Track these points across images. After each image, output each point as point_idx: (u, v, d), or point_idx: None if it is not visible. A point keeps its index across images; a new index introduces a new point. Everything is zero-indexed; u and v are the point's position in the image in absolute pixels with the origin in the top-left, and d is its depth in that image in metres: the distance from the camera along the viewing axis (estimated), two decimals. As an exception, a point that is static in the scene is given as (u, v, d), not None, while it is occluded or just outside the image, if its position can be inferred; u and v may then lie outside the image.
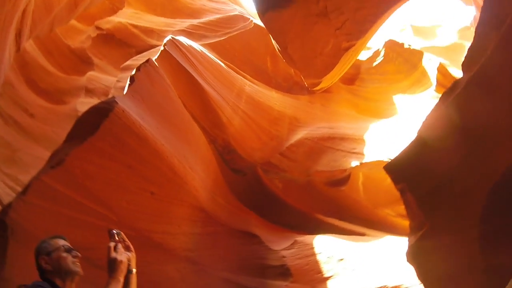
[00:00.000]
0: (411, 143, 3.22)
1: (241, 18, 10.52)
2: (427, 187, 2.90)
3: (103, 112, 3.97)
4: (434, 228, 2.87)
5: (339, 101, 10.67)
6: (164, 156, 4.50)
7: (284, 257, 5.73)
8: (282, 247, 6.05)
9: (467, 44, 14.42)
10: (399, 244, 6.24)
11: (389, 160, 7.77)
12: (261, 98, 8.31)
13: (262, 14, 7.71)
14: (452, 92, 2.84)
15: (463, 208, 2.71)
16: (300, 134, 8.71)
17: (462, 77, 2.89)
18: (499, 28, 2.44)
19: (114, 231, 2.51)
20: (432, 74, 10.75)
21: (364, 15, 7.08)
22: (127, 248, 2.64)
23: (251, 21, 10.23)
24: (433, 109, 3.10)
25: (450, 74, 10.85)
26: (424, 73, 11.14)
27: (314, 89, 9.14)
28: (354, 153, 8.44)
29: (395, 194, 8.44)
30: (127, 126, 4.09)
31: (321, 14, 7.16)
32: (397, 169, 3.24)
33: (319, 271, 5.49)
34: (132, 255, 2.68)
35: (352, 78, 11.88)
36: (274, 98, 8.78)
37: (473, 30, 13.85)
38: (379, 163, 7.94)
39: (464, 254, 2.70)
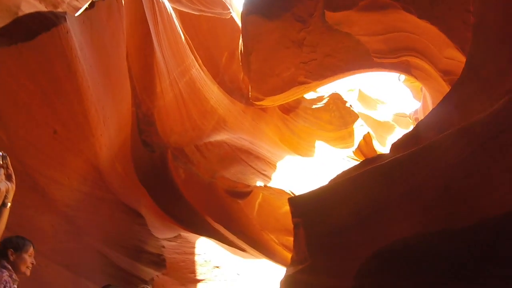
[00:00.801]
0: (321, 187, 3.44)
1: (222, 4, 10.31)
2: (320, 230, 3.08)
3: (47, 23, 3.44)
4: (314, 267, 3.05)
5: (269, 123, 11.06)
6: (84, 98, 4.04)
7: (163, 247, 5.56)
8: (164, 237, 5.88)
9: (397, 128, 16.21)
10: (274, 270, 6.58)
11: (292, 193, 8.30)
12: (202, 87, 8.15)
13: (245, 14, 7.69)
14: (374, 162, 3.12)
15: (345, 259, 2.93)
16: (222, 136, 8.73)
17: (387, 154, 3.20)
18: (438, 132, 2.78)
19: (1, 153, 2.31)
20: (357, 139, 11.86)
21: (331, 63, 7.53)
22: (8, 178, 2.37)
23: (229, 12, 10.10)
24: (351, 168, 3.39)
25: (372, 146, 12.11)
26: (351, 134, 12.27)
27: (255, 102, 9.32)
28: (263, 174, 8.72)
29: (284, 224, 9.01)
30: (63, 49, 3.59)
31: (297, 43, 7.44)
32: (300, 204, 3.41)
33: (193, 272, 5.45)
34: (11, 187, 2.40)
35: (289, 109, 12.50)
36: (213, 93, 8.68)
37: (408, 119, 15.54)
38: (281, 192, 8.37)
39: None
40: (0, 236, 2.56)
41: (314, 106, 12.98)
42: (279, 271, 6.50)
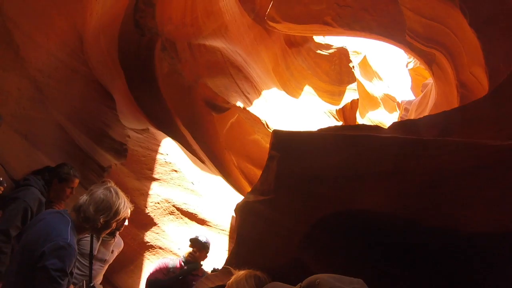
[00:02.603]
0: (311, 131, 3.39)
1: None
2: (294, 171, 3.13)
3: None
4: (276, 203, 3.15)
5: (269, 49, 10.65)
6: None
7: (128, 136, 5.42)
8: (132, 127, 5.71)
9: (382, 107, 16.22)
10: (226, 190, 6.75)
11: (266, 124, 8.25)
12: (214, -13, 7.42)
13: None
14: (372, 130, 3.10)
15: (308, 206, 2.98)
16: (218, 44, 8.23)
17: (385, 129, 3.16)
18: (440, 133, 2.71)
19: None
20: (345, 100, 11.79)
21: (364, 19, 7.10)
22: None
23: None
24: (346, 126, 3.29)
25: (355, 113, 12.13)
26: (341, 93, 12.31)
27: (269, 22, 8.74)
28: (246, 96, 8.51)
29: (248, 151, 9.13)
30: None
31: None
32: (283, 139, 3.33)
33: (151, 169, 5.44)
34: None
35: (294, 44, 12.02)
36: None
37: (396, 104, 15.67)
38: (257, 120, 8.33)
39: (283, 237, 3.04)
40: None
41: (318, 51, 12.50)
42: (230, 193, 6.69)
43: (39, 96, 4.13)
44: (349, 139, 2.91)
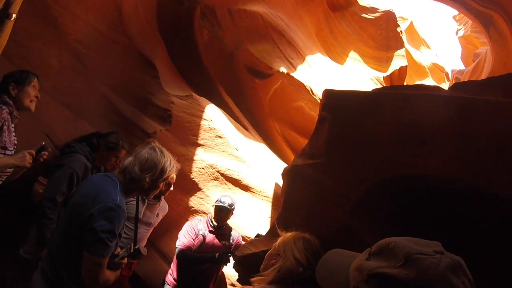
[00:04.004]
0: (366, 91, 3.16)
1: None
2: (347, 134, 2.95)
3: None
4: (326, 167, 3.00)
5: (311, 13, 10.04)
6: None
7: (173, 103, 5.44)
8: (175, 93, 5.72)
9: (429, 76, 15.18)
10: (270, 157, 6.67)
11: (310, 90, 7.95)
12: None
13: None
14: (432, 90, 2.81)
15: (361, 171, 2.81)
16: (259, 8, 7.90)
17: (445, 89, 2.86)
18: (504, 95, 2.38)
19: None
20: (393, 67, 11.04)
21: None
22: None
23: None
24: (403, 86, 3.01)
25: (404, 80, 11.31)
26: (388, 59, 11.50)
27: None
28: (289, 61, 8.20)
29: (292, 118, 8.90)
30: None
31: None
32: (335, 99, 3.11)
33: (196, 135, 5.44)
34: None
35: (337, 7, 11.28)
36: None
37: (444, 74, 14.63)
38: (301, 86, 8.02)
39: (334, 203, 2.90)
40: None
41: (363, 15, 11.61)
42: (273, 160, 6.60)
43: (80, 68, 4.18)
44: (408, 98, 2.64)
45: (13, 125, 2.86)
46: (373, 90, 3.06)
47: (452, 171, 2.33)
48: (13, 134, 2.91)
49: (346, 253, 1.22)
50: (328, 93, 3.01)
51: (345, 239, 2.50)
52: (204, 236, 4.27)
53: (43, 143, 2.99)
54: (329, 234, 2.55)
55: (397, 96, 2.66)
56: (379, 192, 2.63)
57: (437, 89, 2.83)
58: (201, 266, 4.17)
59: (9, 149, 2.83)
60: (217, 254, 4.09)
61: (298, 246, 2.01)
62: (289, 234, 2.15)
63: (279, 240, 2.14)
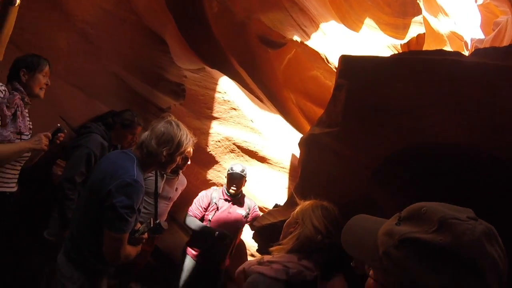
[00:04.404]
0: (384, 57, 3.03)
1: None
2: (365, 101, 2.87)
3: None
4: (344, 135, 2.95)
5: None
6: None
7: (185, 77, 5.38)
8: (187, 67, 5.66)
9: (448, 45, 14.40)
10: (286, 127, 6.62)
11: (326, 58, 7.74)
12: None
13: None
14: (454, 55, 2.70)
15: (380, 139, 2.77)
16: (269, -27, 7.63)
17: (467, 55, 2.73)
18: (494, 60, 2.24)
19: None
20: (410, 34, 10.60)
21: None
22: None
23: None
24: (422, 51, 2.88)
25: (422, 48, 10.82)
26: (406, 26, 10.85)
27: None
28: (302, 29, 7.94)
29: (307, 88, 8.76)
30: None
31: None
32: (352, 65, 2.98)
33: (210, 108, 5.42)
34: None
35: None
36: None
37: (463, 43, 13.82)
38: (315, 54, 7.80)
39: (352, 171, 2.89)
40: (5, 41, 2.29)
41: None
42: (289, 130, 6.56)
43: (90, 48, 4.15)
44: (428, 64, 2.53)
45: (26, 111, 2.89)
46: (391, 55, 2.95)
47: (473, 139, 2.26)
48: (27, 119, 2.94)
49: (372, 218, 1.19)
50: (345, 59, 2.92)
51: (364, 207, 2.47)
52: (217, 204, 4.36)
53: (59, 124, 3.04)
54: (347, 203, 2.54)
55: (417, 62, 2.55)
56: (398, 161, 2.58)
57: (458, 54, 2.71)
58: (202, 237, 4.27)
59: (25, 134, 2.87)
60: (217, 232, 4.15)
61: (317, 214, 2.01)
62: (307, 202, 2.15)
63: (298, 208, 2.14)
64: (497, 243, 0.85)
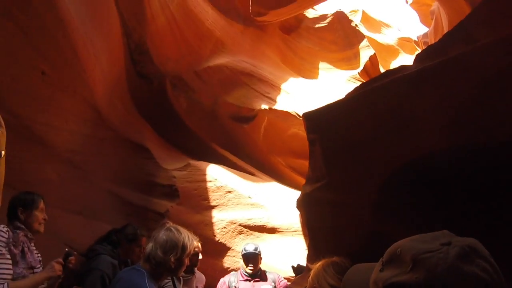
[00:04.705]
0: (338, 100, 3.21)
1: None
2: (338, 145, 2.94)
3: None
4: (333, 184, 2.96)
5: (270, 44, 10.41)
6: (69, 31, 3.62)
7: (174, 177, 5.54)
8: (174, 167, 5.84)
9: (402, 52, 15.39)
10: (284, 192, 6.67)
11: (297, 115, 8.09)
12: (195, 8, 7.45)
13: None
14: (398, 72, 2.85)
15: (365, 175, 2.81)
16: (221, 60, 8.26)
17: (410, 65, 2.92)
18: (467, 44, 2.45)
19: None
20: (363, 60, 11.23)
21: None
22: None
23: None
24: (370, 80, 3.12)
25: (378, 67, 11.51)
26: (356, 55, 11.58)
27: (256, 18, 8.65)
28: (267, 96, 8.42)
29: (290, 147, 8.97)
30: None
31: None
32: (315, 118, 3.20)
33: (206, 199, 5.49)
34: (1, 132, 2.18)
35: (290, 29, 11.69)
36: (208, 14, 7.96)
37: (414, 44, 14.69)
38: (286, 114, 8.17)
39: (353, 215, 2.85)
40: (0, 190, 2.41)
41: (317, 25, 12.07)
42: (289, 193, 6.59)
43: (79, 173, 4.32)
44: (378, 90, 2.73)
45: (32, 245, 2.95)
46: (346, 95, 3.15)
47: (445, 140, 2.35)
48: (35, 252, 3.02)
49: (365, 267, 1.21)
50: (307, 116, 3.11)
51: (376, 245, 2.47)
52: (236, 287, 4.25)
53: (66, 249, 3.11)
54: (359, 247, 2.53)
55: (368, 93, 2.75)
56: (390, 189, 2.63)
57: (401, 69, 2.92)
58: None
59: (37, 267, 2.92)
60: None
61: (329, 272, 2.00)
62: (318, 264, 2.14)
63: (311, 273, 2.13)
64: (480, 257, 0.84)
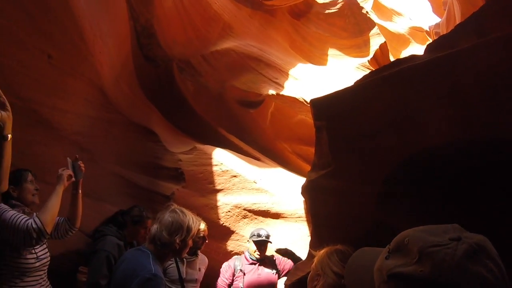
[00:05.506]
0: (346, 88, 3.16)
1: None
2: (345, 133, 2.92)
3: None
4: (338, 172, 2.96)
5: (279, 29, 10.26)
6: (75, 14, 3.58)
7: (180, 160, 5.58)
8: (180, 150, 5.87)
9: (412, 41, 15.06)
10: (289, 177, 6.69)
11: (304, 101, 8.03)
12: (202, -10, 7.36)
13: None
14: (408, 62, 2.79)
15: (371, 164, 2.80)
16: (228, 44, 8.18)
17: (421, 55, 2.86)
18: (479, 37, 2.39)
19: None
20: (373, 48, 11.04)
21: None
22: (1, 107, 2.20)
23: None
24: (380, 68, 3.06)
25: (388, 56, 11.31)
26: (366, 43, 11.37)
27: (265, 1, 8.52)
28: (274, 82, 8.36)
29: (297, 133, 8.96)
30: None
31: None
32: (323, 106, 3.17)
33: (212, 182, 5.54)
34: (7, 116, 2.23)
35: (300, 14, 11.48)
36: (215, -4, 7.87)
37: (425, 34, 14.34)
38: (294, 101, 8.11)
39: (357, 203, 2.86)
40: (7, 173, 2.47)
41: (327, 11, 11.82)
42: (294, 179, 6.60)
43: (86, 155, 4.35)
44: (387, 78, 2.69)
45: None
46: (354, 83, 3.11)
47: (453, 132, 2.32)
48: None
49: (371, 252, 1.21)
50: (314, 103, 3.09)
51: (381, 235, 2.48)
52: (242, 270, 4.33)
53: (68, 158, 3.36)
54: (363, 236, 2.53)
55: (377, 82, 2.70)
56: (396, 179, 2.62)
57: (411, 58, 2.87)
58: None
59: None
60: None
61: (333, 260, 2.02)
62: (322, 251, 2.17)
63: (315, 260, 2.15)
64: (488, 256, 0.83)
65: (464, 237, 0.85)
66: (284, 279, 4.51)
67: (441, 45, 2.78)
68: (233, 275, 4.39)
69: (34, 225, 2.70)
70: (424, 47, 3.03)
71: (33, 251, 2.92)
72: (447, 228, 0.91)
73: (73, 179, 3.27)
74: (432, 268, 0.82)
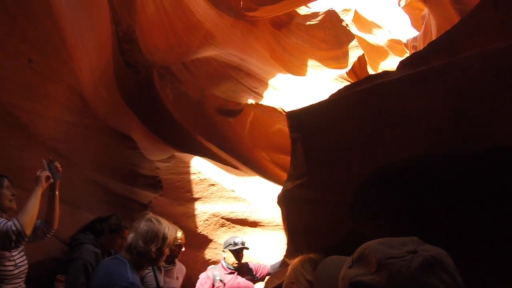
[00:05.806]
0: (321, 101, 3.28)
1: None
2: (319, 145, 3.02)
3: None
4: (313, 182, 3.04)
5: (260, 38, 10.43)
6: (57, 18, 3.58)
7: (158, 168, 5.56)
8: (158, 158, 5.85)
9: (391, 54, 15.54)
10: (267, 186, 6.76)
11: (283, 111, 8.16)
12: (185, -2, 7.42)
13: None
14: (381, 77, 2.91)
15: (345, 176, 2.90)
16: (209, 52, 8.24)
17: (394, 71, 2.99)
18: (450, 55, 2.54)
19: None
20: (352, 60, 11.37)
21: None
22: None
23: None
24: (354, 83, 3.19)
25: (366, 68, 11.67)
26: (345, 55, 11.72)
27: (247, 13, 8.65)
28: (254, 91, 8.47)
29: (275, 142, 9.07)
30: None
31: None
32: (299, 118, 3.27)
33: (189, 191, 5.54)
34: None
35: (281, 25, 11.74)
36: (199, 5, 7.92)
37: (403, 46, 14.87)
38: (273, 110, 8.24)
39: (331, 213, 2.95)
40: None
41: (308, 23, 12.17)
42: (272, 188, 6.68)
43: (63, 161, 4.27)
44: (361, 93, 2.82)
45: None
46: (329, 96, 3.23)
47: (422, 147, 2.45)
48: None
49: (338, 260, 1.27)
50: (290, 115, 3.19)
51: (352, 244, 2.57)
52: (222, 281, 4.32)
53: (43, 159, 3.30)
54: (337, 244, 2.62)
55: (350, 96, 2.83)
56: (368, 190, 2.73)
57: (385, 74, 3.01)
58: None
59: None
60: None
61: (307, 268, 2.09)
62: (296, 260, 2.23)
63: (289, 268, 2.21)
64: (443, 269, 0.86)
65: (420, 250, 0.89)
66: (260, 284, 4.56)
67: (413, 61, 2.93)
68: (213, 285, 4.36)
69: (13, 228, 2.65)
70: (403, 59, 3.18)
71: (11, 259, 2.86)
72: (405, 240, 0.95)
73: (52, 180, 3.23)
74: (388, 278, 0.87)
